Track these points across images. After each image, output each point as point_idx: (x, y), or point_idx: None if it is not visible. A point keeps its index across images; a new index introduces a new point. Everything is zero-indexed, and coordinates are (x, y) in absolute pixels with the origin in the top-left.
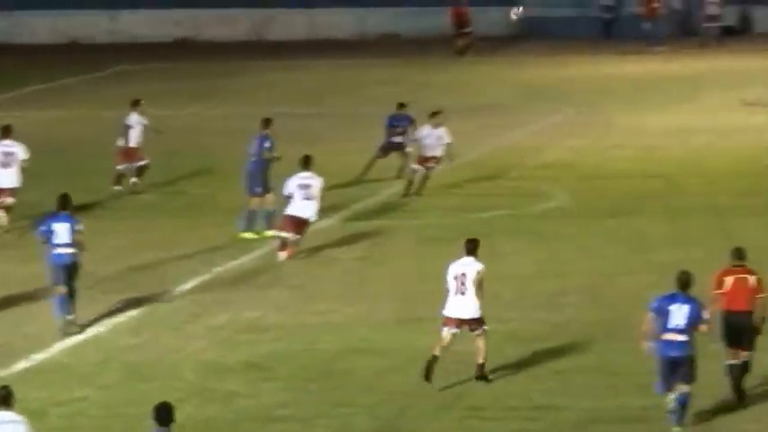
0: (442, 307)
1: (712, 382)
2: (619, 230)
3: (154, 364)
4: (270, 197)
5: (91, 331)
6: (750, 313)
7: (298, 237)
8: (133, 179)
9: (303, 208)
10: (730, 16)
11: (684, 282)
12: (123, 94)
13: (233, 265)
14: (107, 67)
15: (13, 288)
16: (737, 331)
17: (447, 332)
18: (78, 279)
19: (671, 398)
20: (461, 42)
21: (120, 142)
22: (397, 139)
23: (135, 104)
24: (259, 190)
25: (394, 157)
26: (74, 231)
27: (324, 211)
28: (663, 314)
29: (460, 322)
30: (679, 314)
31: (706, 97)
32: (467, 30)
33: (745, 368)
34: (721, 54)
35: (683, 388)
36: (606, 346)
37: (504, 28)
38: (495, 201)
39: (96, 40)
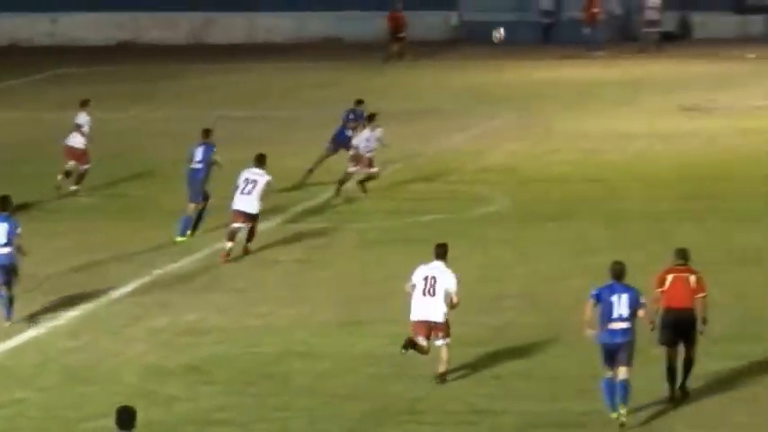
0: (384, 311)
1: (652, 385)
2: (559, 234)
3: (93, 367)
4: (194, 206)
5: (30, 333)
6: (690, 311)
7: (248, 225)
8: (73, 186)
9: (245, 203)
10: (670, 22)
11: (619, 272)
12: (64, 96)
13: (173, 267)
14: (47, 70)
15: None
16: (677, 328)
17: (423, 341)
18: (17, 281)
19: (621, 370)
20: (396, 47)
21: (70, 141)
22: (350, 132)
23: (84, 104)
24: (200, 199)
25: (334, 160)
26: (13, 234)
27: (264, 214)
28: (604, 304)
29: (428, 329)
30: (620, 304)
31: (645, 102)
32: (401, 35)
33: (688, 365)
34: (660, 59)
35: (623, 371)
36: (546, 350)
37: (443, 33)
38: (436, 205)
39: (36, 43)
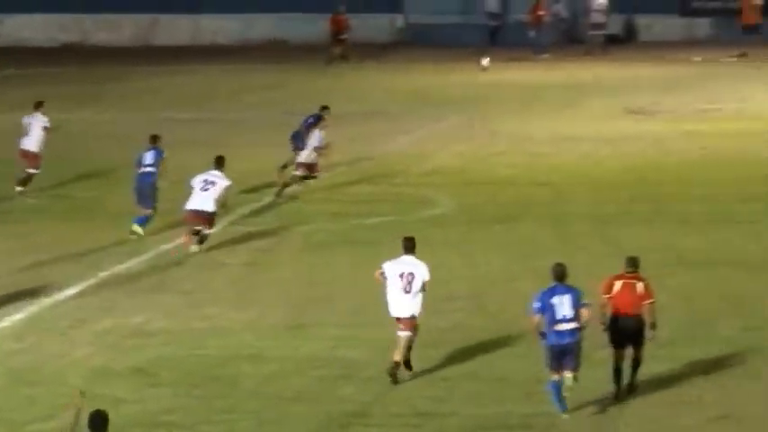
0: (331, 313)
1: (598, 387)
2: (505, 237)
3: (38, 369)
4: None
5: None
6: (638, 317)
7: (208, 230)
8: (19, 188)
9: (202, 201)
10: (615, 25)
11: (560, 273)
12: (10, 98)
13: (119, 269)
14: None
15: None
16: (624, 334)
17: (406, 334)
18: None
19: (567, 376)
20: (338, 50)
21: (24, 145)
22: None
23: (38, 106)
24: (150, 204)
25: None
26: None
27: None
28: (548, 309)
29: (413, 323)
30: (563, 305)
31: (591, 105)
32: (342, 36)
33: (636, 365)
34: (606, 62)
35: (569, 375)
36: (494, 352)
37: (389, 35)
38: (381, 207)
39: None
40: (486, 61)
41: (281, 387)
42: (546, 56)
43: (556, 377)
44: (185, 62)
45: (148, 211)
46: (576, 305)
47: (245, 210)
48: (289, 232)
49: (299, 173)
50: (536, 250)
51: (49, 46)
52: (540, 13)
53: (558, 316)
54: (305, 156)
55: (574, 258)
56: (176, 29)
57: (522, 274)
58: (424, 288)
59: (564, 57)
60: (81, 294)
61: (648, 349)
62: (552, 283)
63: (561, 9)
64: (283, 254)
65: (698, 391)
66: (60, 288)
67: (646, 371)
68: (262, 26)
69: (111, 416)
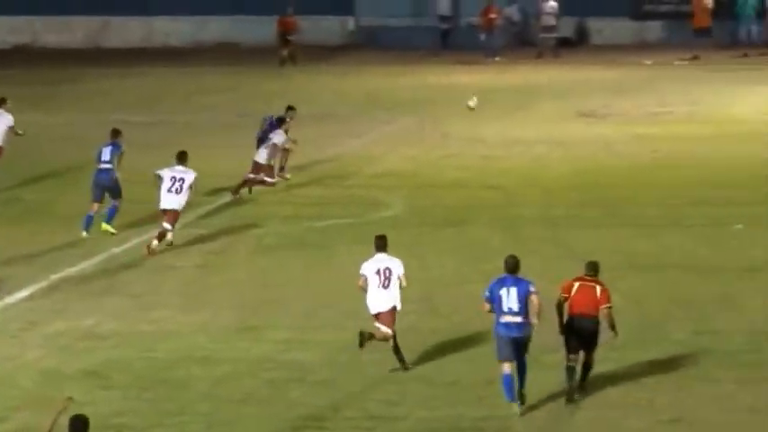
0: (283, 315)
1: (549, 390)
2: (456, 240)
3: None
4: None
5: None
6: (593, 318)
7: (170, 228)
8: None
9: (171, 201)
10: (567, 28)
11: (512, 265)
12: None
13: (70, 272)
14: None
15: None
16: (580, 335)
17: (386, 329)
18: None
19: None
20: (285, 51)
21: None
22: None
23: (1, 103)
24: (115, 195)
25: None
26: None
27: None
28: (496, 300)
29: (393, 316)
30: (509, 297)
31: (543, 108)
32: (290, 38)
33: (587, 368)
34: (557, 65)
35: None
36: (446, 355)
37: (340, 37)
38: (332, 209)
39: None
40: (473, 102)
41: (232, 389)
42: (497, 59)
43: (507, 369)
44: (137, 64)
45: (116, 203)
46: (524, 296)
47: (198, 212)
48: (241, 235)
49: (251, 175)
50: (487, 253)
51: None
52: (492, 16)
53: (504, 308)
54: (262, 156)
55: (525, 261)
56: (128, 31)
57: (474, 276)
58: (400, 283)
59: (515, 60)
60: (32, 297)
61: (600, 352)
62: (503, 275)
63: (513, 12)
64: (236, 256)
65: (649, 393)
66: (11, 291)
67: (598, 373)
68: (214, 28)
69: (61, 419)
